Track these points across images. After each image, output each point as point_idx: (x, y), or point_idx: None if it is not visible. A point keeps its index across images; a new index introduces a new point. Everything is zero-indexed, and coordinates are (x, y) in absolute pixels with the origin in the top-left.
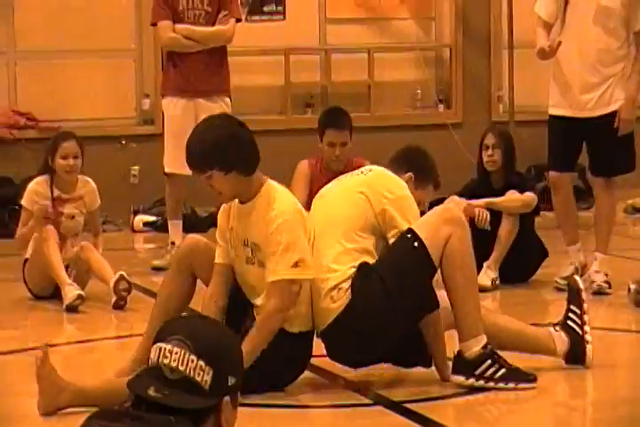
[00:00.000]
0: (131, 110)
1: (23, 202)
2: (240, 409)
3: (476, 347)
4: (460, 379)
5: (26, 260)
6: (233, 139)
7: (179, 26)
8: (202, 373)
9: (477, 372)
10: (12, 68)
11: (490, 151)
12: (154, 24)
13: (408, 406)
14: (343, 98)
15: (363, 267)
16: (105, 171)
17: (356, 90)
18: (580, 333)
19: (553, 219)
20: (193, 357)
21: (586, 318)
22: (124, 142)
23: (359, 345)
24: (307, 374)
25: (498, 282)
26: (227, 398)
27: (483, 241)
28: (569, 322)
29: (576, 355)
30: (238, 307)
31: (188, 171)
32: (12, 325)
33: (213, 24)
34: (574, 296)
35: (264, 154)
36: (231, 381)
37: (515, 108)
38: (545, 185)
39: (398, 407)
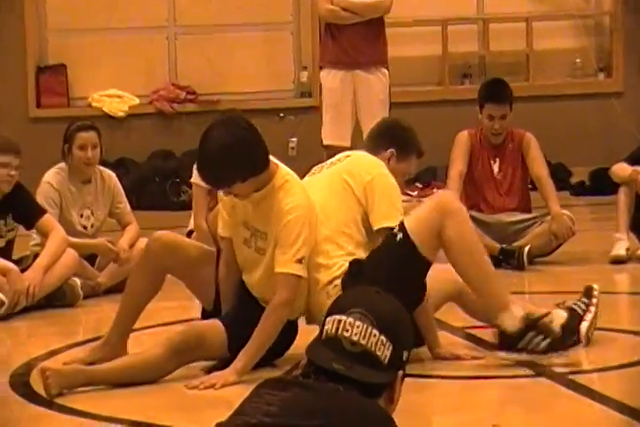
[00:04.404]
0: (289, 83)
1: (193, 179)
2: (406, 380)
3: (510, 320)
4: (503, 355)
5: (189, 231)
6: (240, 150)
7: None
8: (382, 347)
9: (521, 345)
10: (173, 42)
11: None
12: None
13: (572, 377)
14: (501, 67)
15: (353, 264)
16: None
17: (515, 59)
18: (581, 314)
19: None
20: (375, 331)
21: (592, 308)
22: (282, 115)
23: None
24: (467, 344)
25: None
26: (400, 373)
27: None
28: (574, 306)
29: (571, 328)
30: None
31: (346, 142)
32: (174, 296)
33: None
34: (587, 291)
35: (422, 125)
36: (405, 356)
37: None
38: None
39: (562, 379)
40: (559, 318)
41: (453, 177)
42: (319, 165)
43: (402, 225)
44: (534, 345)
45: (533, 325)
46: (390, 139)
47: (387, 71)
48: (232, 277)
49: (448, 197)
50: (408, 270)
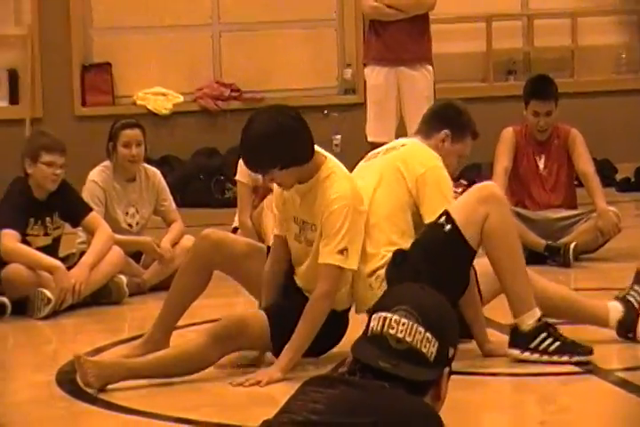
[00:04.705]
0: (332, 80)
1: (238, 177)
2: (453, 377)
3: (530, 321)
4: (516, 353)
5: (234, 229)
6: (283, 135)
7: None
8: (428, 344)
9: (532, 345)
10: (217, 39)
11: None
12: None
13: (621, 374)
14: (546, 64)
15: (397, 255)
16: None
17: (560, 55)
18: (637, 306)
19: None
20: (421, 328)
21: None
22: (326, 112)
23: None
24: None
25: None
26: (446, 370)
27: None
28: (628, 297)
29: (628, 324)
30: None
31: (391, 139)
32: (220, 292)
33: None
34: (639, 275)
35: None
36: (451, 352)
37: None
38: None
39: (611, 376)
40: (616, 312)
41: (498, 173)
42: (374, 151)
43: (448, 216)
44: (545, 346)
45: (546, 328)
46: (444, 120)
47: (431, 68)
48: (277, 275)
49: (491, 187)
50: (455, 260)
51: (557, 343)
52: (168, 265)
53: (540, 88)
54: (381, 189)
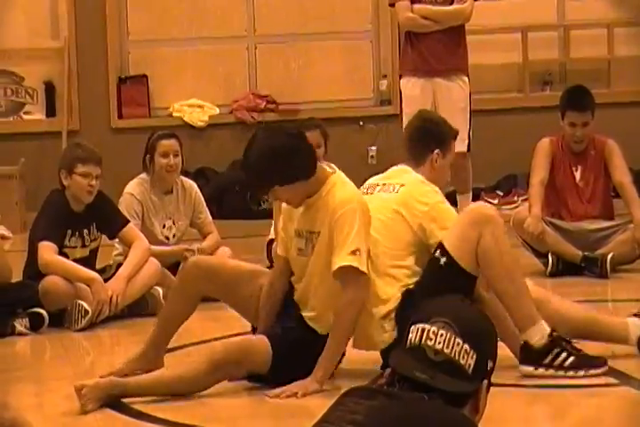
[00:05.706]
0: (368, 91)
1: None
2: (492, 389)
3: (539, 335)
4: (529, 369)
5: (270, 240)
6: (284, 153)
7: (417, 6)
8: (466, 356)
9: (546, 361)
10: (252, 51)
11: None
12: (392, 5)
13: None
14: (582, 74)
15: (405, 295)
16: (343, 152)
17: (596, 66)
18: None
19: None
20: (459, 340)
21: None
22: (362, 123)
23: None
24: None
25: None
26: (485, 382)
27: None
28: None
29: None
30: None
31: None
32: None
33: (451, 3)
34: None
35: (503, 132)
36: (489, 365)
37: None
38: None
39: (634, 386)
40: (635, 328)
41: (535, 185)
42: (372, 181)
43: (443, 248)
44: (559, 361)
45: (558, 342)
46: (430, 140)
47: (467, 79)
48: (274, 297)
49: (481, 208)
50: (457, 291)
51: (572, 358)
52: None
53: (577, 99)
54: (382, 233)
